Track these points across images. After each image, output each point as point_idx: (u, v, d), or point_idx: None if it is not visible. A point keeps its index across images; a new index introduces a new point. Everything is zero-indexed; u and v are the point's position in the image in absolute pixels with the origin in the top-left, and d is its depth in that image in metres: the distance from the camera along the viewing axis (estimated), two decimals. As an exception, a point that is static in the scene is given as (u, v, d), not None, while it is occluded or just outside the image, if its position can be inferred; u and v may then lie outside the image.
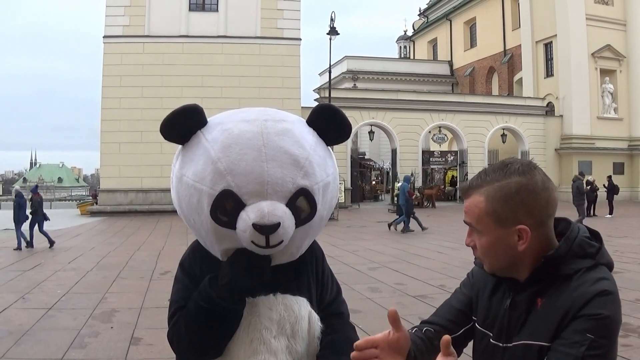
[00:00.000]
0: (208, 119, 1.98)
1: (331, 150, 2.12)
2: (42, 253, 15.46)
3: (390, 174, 42.90)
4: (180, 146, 2.01)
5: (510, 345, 1.75)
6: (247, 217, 1.82)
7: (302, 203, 1.91)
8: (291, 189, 1.86)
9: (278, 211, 1.82)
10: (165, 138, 1.95)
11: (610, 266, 1.72)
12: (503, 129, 41.55)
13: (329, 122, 2.05)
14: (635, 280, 10.51)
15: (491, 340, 1.84)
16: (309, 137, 1.98)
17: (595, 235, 1.78)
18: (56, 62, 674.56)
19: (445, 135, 42.56)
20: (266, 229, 1.81)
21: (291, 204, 1.87)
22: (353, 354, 1.75)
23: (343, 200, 34.94)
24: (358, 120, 38.07)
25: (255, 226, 1.80)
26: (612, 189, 29.35)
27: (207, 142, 1.90)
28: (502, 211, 1.69)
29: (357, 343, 1.77)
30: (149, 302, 9.23)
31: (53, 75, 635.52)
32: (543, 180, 1.69)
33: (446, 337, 1.60)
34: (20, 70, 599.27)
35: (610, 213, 28.32)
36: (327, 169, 2.01)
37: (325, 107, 2.08)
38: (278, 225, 1.81)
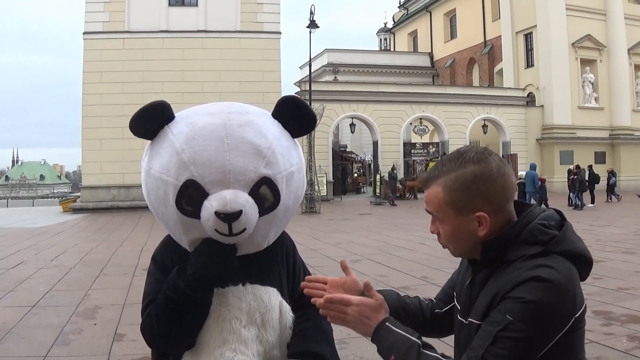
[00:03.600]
0: (175, 114, 2.02)
1: (297, 141, 2.14)
2: (25, 251, 15.37)
3: (372, 166, 43.01)
4: (149, 141, 2.04)
5: (466, 322, 1.82)
6: (210, 205, 1.86)
7: (265, 192, 1.94)
8: (253, 177, 1.90)
9: (240, 199, 1.86)
10: (134, 134, 1.99)
11: (570, 255, 1.69)
12: (484, 120, 41.84)
13: (292, 114, 2.08)
14: (618, 269, 10.54)
15: (458, 315, 1.92)
16: (273, 128, 2.01)
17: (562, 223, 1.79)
18: (45, 60, 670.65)
19: (427, 126, 42.67)
20: (228, 217, 1.85)
21: (254, 192, 1.91)
22: (303, 283, 2.01)
23: (325, 193, 35.00)
24: (339, 112, 38.26)
25: (218, 214, 1.84)
26: (593, 179, 29.49)
27: (172, 135, 1.94)
28: (460, 201, 1.74)
29: (307, 277, 2.03)
30: (132, 298, 9.19)
31: (41, 73, 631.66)
32: (498, 167, 1.73)
33: (366, 281, 1.90)
34: (6, 68, 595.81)
35: (592, 202, 28.49)
36: (292, 159, 2.04)
37: (289, 99, 2.11)
38: (240, 212, 1.85)
